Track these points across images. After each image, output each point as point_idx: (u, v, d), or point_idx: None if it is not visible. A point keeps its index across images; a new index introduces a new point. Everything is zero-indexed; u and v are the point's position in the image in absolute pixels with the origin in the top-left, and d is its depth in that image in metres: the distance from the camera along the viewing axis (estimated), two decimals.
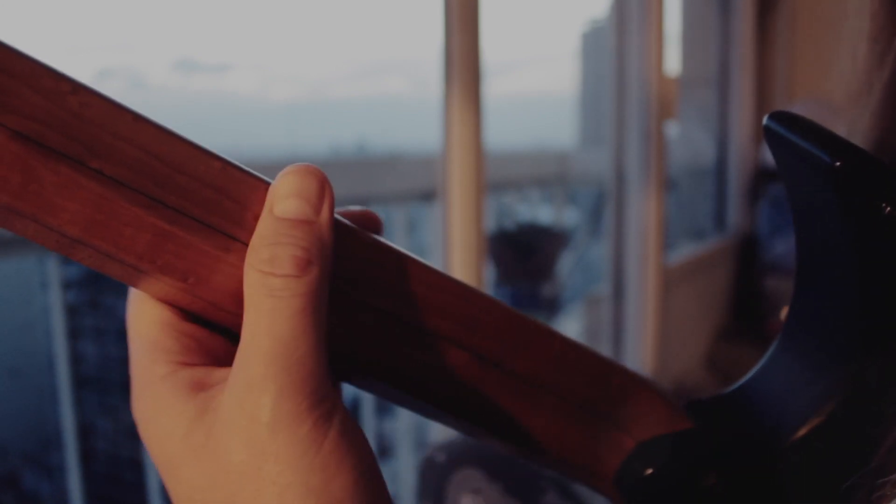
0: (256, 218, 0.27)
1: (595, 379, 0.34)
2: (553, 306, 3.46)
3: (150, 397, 0.27)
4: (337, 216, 0.29)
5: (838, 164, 0.27)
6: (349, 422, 0.26)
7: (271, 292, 0.25)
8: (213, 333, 0.29)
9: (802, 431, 0.31)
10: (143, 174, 0.25)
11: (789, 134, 0.29)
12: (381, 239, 0.31)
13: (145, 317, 0.28)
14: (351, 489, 0.25)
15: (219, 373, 0.27)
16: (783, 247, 2.61)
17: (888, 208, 0.27)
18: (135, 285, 0.27)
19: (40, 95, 0.23)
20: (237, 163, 0.27)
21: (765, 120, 0.30)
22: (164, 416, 0.26)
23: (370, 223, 0.32)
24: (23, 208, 0.24)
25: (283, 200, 0.26)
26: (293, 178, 0.27)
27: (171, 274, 0.26)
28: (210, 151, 0.27)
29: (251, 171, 0.27)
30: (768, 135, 0.30)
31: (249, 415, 0.25)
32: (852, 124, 0.38)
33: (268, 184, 0.28)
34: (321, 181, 0.27)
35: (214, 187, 0.26)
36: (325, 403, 0.26)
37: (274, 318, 0.25)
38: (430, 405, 0.32)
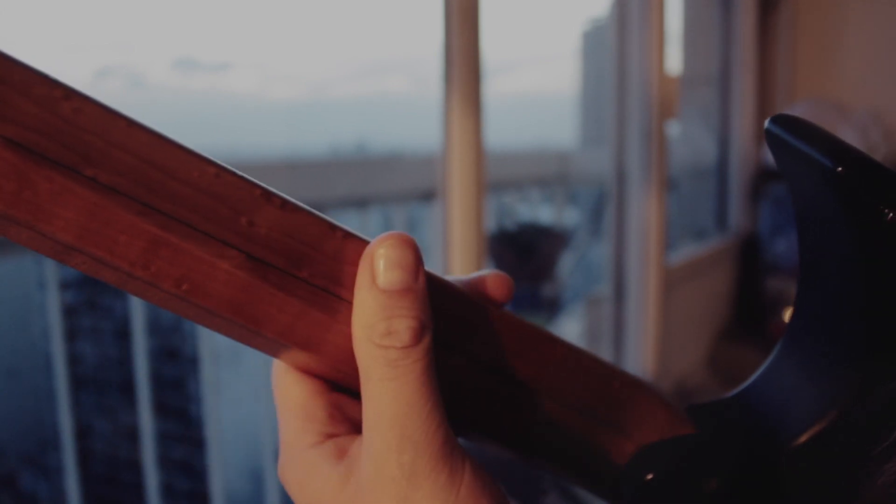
0: (251, 223, 0.27)
1: (596, 384, 0.34)
2: (553, 307, 3.46)
3: (302, 463, 0.30)
4: None
5: (840, 168, 0.27)
6: (478, 466, 0.29)
7: (393, 363, 0.27)
8: (354, 400, 0.31)
9: (805, 437, 0.31)
10: (137, 181, 0.25)
11: (791, 138, 0.29)
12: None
13: (295, 386, 0.31)
14: None
15: (357, 441, 0.30)
16: (785, 246, 2.60)
17: (890, 214, 0.27)
18: (132, 292, 0.27)
19: (33, 102, 0.23)
20: (233, 168, 0.27)
21: (766, 123, 0.30)
22: (316, 481, 0.29)
23: (503, 288, 0.35)
24: (17, 215, 0.24)
25: (387, 273, 0.28)
26: (391, 250, 0.28)
27: (165, 280, 0.26)
28: (205, 157, 0.26)
29: (247, 176, 0.27)
30: (770, 139, 0.30)
31: (391, 475, 0.27)
32: None
33: (261, 188, 0.27)
34: (415, 247, 0.29)
35: (209, 193, 0.26)
36: (456, 452, 0.28)
37: (400, 386, 0.27)
38: None
